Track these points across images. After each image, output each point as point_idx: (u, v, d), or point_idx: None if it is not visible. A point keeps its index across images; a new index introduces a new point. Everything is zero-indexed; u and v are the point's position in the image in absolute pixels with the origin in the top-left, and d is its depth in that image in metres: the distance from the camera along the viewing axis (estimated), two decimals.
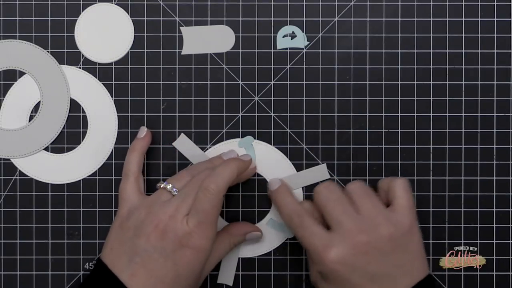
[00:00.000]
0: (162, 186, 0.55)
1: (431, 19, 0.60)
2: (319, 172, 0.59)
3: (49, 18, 0.60)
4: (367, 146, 0.60)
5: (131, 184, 0.56)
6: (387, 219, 0.53)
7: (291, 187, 0.58)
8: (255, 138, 0.60)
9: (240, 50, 0.60)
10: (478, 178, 0.60)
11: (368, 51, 0.60)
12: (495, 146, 0.60)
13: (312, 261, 0.54)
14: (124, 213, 0.55)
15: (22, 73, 0.60)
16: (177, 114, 0.60)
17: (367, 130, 0.60)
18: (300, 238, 0.54)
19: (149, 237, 0.52)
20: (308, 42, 0.60)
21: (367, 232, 0.52)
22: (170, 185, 0.54)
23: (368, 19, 0.60)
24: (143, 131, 0.58)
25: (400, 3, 0.60)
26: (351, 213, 0.53)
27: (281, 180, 0.58)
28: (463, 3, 0.60)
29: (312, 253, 0.53)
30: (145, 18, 0.60)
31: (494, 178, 0.60)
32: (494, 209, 0.60)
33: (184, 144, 0.59)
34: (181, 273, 0.52)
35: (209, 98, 0.60)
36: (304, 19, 0.60)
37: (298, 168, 0.60)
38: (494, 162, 0.60)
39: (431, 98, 0.60)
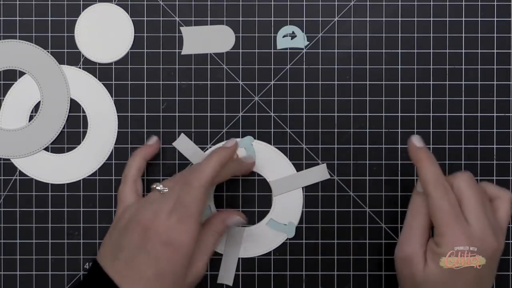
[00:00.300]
0: (154, 186, 0.55)
1: (431, 19, 0.60)
2: (319, 172, 0.59)
3: (49, 18, 0.60)
4: (367, 146, 0.60)
5: (129, 187, 0.56)
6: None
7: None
8: (255, 138, 0.60)
9: (240, 50, 0.60)
10: (478, 178, 0.60)
11: (368, 51, 0.60)
12: (495, 146, 0.60)
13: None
14: (119, 214, 0.55)
15: (22, 73, 0.60)
16: (177, 114, 0.60)
17: (367, 130, 0.60)
18: (437, 208, 0.52)
19: (133, 235, 0.52)
20: (308, 42, 0.60)
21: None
22: (161, 185, 0.55)
23: (368, 19, 0.60)
24: (153, 140, 0.59)
25: (400, 3, 0.60)
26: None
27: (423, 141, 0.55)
28: (463, 3, 0.60)
29: (440, 225, 0.52)
30: (145, 18, 0.60)
31: (494, 178, 0.60)
32: None
33: (184, 144, 0.60)
34: (164, 270, 0.52)
35: (209, 98, 0.60)
36: (304, 19, 0.60)
37: (298, 168, 0.60)
38: (494, 162, 0.60)
39: (431, 98, 0.60)
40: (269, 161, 0.59)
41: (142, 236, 0.52)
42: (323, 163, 0.60)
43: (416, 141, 0.55)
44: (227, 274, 0.59)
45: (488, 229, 0.52)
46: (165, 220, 0.52)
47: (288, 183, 0.59)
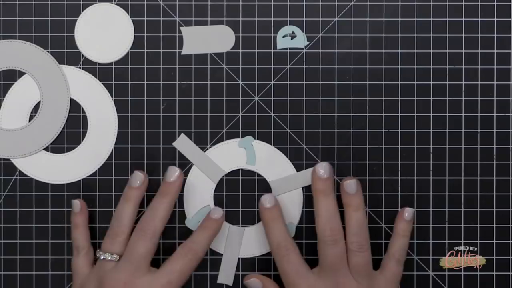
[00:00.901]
0: (101, 258, 0.55)
1: (431, 19, 0.60)
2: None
3: (49, 18, 0.60)
4: (367, 146, 0.60)
5: (82, 259, 0.57)
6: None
7: (282, 209, 0.58)
8: (255, 138, 0.60)
9: (240, 50, 0.60)
10: (478, 178, 0.60)
11: (368, 51, 0.60)
12: (495, 146, 0.60)
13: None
14: (78, 287, 0.56)
15: (22, 73, 0.60)
16: (177, 114, 0.60)
17: (367, 130, 0.60)
18: (283, 270, 0.55)
19: None
20: (308, 42, 0.60)
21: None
22: (107, 254, 0.55)
23: (368, 19, 0.60)
24: (77, 205, 0.58)
25: (400, 3, 0.60)
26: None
27: (276, 200, 0.58)
28: (463, 3, 0.60)
29: (292, 287, 0.55)
30: (145, 18, 0.60)
31: (494, 178, 0.60)
32: (494, 209, 0.60)
33: (184, 144, 0.60)
34: None
35: (209, 98, 0.60)
36: (304, 19, 0.60)
37: (298, 168, 0.60)
38: (494, 162, 0.60)
39: (431, 98, 0.60)
40: (269, 161, 0.59)
41: None
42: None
43: (264, 203, 0.57)
44: (227, 274, 0.59)
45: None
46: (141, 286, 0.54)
47: (288, 183, 0.59)
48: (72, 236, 0.58)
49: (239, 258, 0.60)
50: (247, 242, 0.59)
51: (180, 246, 0.56)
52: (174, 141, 0.60)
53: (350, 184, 0.56)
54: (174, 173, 0.57)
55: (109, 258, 0.55)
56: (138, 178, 0.57)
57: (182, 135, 0.60)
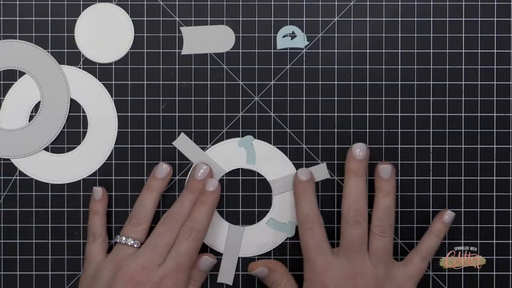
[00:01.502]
0: (119, 241, 0.56)
1: (431, 19, 0.60)
2: (319, 171, 0.59)
3: (49, 18, 0.60)
4: (367, 146, 0.60)
5: (98, 246, 0.57)
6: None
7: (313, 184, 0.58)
8: (255, 138, 0.60)
9: (240, 50, 0.60)
10: (478, 178, 0.60)
11: (368, 51, 0.60)
12: (495, 146, 0.60)
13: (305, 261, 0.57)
14: (90, 274, 0.56)
15: (22, 73, 0.60)
16: (177, 114, 0.60)
17: (367, 130, 0.60)
18: (305, 243, 0.56)
19: None
20: (308, 42, 0.60)
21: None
22: (130, 239, 0.56)
23: (368, 19, 0.60)
24: (99, 193, 0.58)
25: (400, 3, 0.60)
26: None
27: (311, 174, 0.58)
28: (463, 3, 0.60)
29: (309, 262, 0.55)
30: (145, 18, 0.60)
31: (494, 178, 0.60)
32: (494, 209, 0.60)
33: (184, 144, 0.60)
34: None
35: (209, 98, 0.60)
36: (304, 19, 0.60)
37: (298, 168, 0.60)
38: (494, 162, 0.60)
39: (431, 98, 0.60)
40: (269, 160, 0.59)
41: None
42: (323, 163, 0.60)
43: (299, 175, 0.58)
44: (227, 274, 0.59)
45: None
46: (159, 271, 0.54)
47: (288, 182, 0.59)
48: (90, 222, 0.58)
49: (239, 258, 0.60)
50: (247, 242, 0.59)
51: (182, 229, 0.56)
52: (174, 141, 0.60)
53: (385, 169, 0.57)
54: (200, 169, 0.58)
55: (130, 243, 0.55)
56: (164, 170, 0.58)
57: (182, 134, 0.60)
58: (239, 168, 0.60)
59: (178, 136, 0.60)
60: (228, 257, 0.59)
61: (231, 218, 0.60)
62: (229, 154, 0.60)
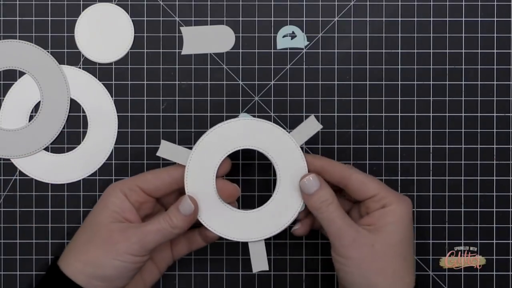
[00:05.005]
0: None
1: (431, 19, 0.60)
2: (310, 124, 0.55)
3: (49, 18, 0.60)
4: (367, 146, 0.60)
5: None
6: None
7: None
8: None
9: (240, 50, 0.60)
10: (478, 178, 0.60)
11: (368, 51, 0.60)
12: (495, 146, 0.60)
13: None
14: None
15: (22, 73, 0.60)
16: (177, 114, 0.60)
17: (367, 130, 0.60)
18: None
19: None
20: (308, 42, 0.60)
21: None
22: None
23: (368, 19, 0.60)
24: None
25: (400, 3, 0.60)
26: None
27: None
28: (463, 3, 0.60)
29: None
30: (145, 18, 0.60)
31: (494, 178, 0.60)
32: (494, 209, 0.60)
33: (168, 151, 0.54)
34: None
35: (209, 98, 0.60)
36: (304, 19, 0.60)
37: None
38: (494, 162, 0.60)
39: (431, 98, 0.60)
40: (269, 137, 0.54)
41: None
42: (310, 115, 0.57)
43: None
44: (259, 261, 0.55)
45: None
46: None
47: (287, 147, 0.54)
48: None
49: (239, 258, 0.60)
50: (257, 224, 0.54)
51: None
52: (157, 152, 0.55)
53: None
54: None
55: None
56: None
57: (163, 142, 0.54)
58: (238, 150, 0.55)
59: (178, 136, 0.60)
60: (255, 245, 0.55)
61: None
62: (229, 135, 0.54)
